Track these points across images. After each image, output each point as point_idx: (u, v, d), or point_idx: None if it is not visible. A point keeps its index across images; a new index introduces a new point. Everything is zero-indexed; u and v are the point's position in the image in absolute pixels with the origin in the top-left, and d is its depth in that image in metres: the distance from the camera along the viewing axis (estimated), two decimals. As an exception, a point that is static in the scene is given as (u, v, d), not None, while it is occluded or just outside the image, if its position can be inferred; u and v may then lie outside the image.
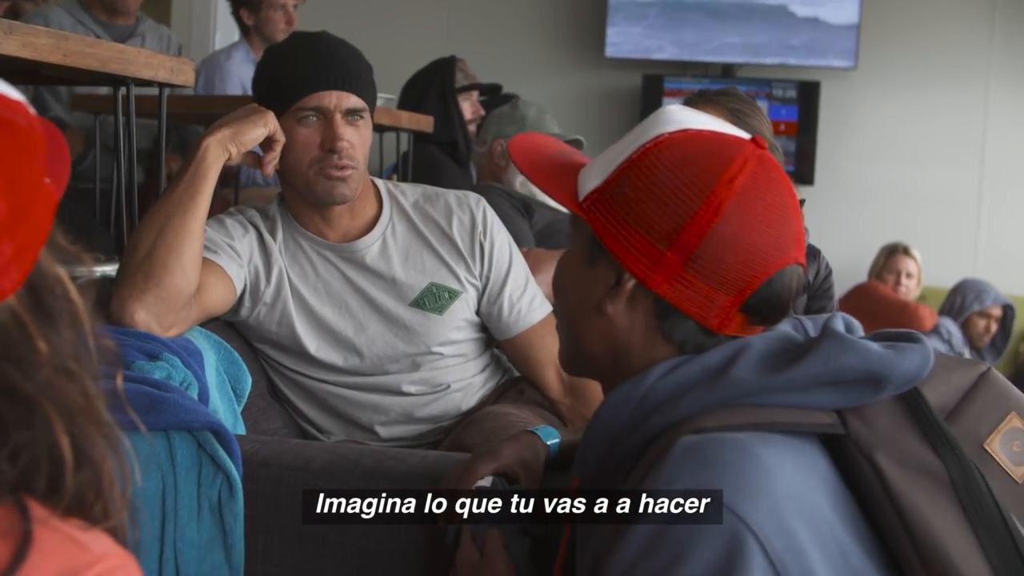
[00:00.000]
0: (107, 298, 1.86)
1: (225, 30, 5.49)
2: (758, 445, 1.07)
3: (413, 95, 4.25)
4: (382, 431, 2.17)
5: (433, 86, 4.24)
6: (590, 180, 1.20)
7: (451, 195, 2.24)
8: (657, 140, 1.17)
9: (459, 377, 2.21)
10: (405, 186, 2.27)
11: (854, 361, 1.11)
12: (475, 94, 4.38)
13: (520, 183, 3.49)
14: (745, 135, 1.20)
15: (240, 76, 4.27)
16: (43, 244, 0.79)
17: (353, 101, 2.06)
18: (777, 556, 1.01)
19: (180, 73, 2.30)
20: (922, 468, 1.11)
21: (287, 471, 1.67)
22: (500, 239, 2.22)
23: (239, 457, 1.63)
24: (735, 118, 2.49)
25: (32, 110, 0.80)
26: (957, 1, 5.90)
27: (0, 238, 0.74)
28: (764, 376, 1.12)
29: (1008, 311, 5.41)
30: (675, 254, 1.14)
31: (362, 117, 2.09)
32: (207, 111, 3.34)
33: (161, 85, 2.33)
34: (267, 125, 2.01)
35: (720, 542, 1.00)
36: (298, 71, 2.05)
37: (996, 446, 1.16)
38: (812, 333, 1.23)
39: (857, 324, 1.22)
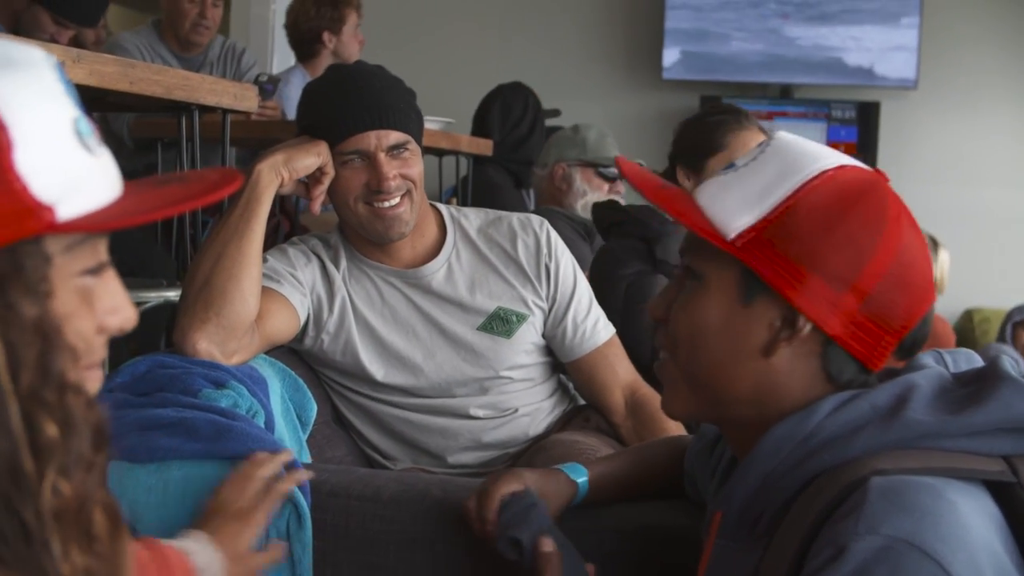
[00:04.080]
0: (172, 325, 1.85)
1: (283, 53, 5.52)
2: (950, 491, 1.04)
3: (510, 115, 4.34)
4: (449, 457, 2.15)
5: (528, 107, 4.34)
6: (735, 217, 1.16)
7: (514, 218, 2.23)
8: (821, 176, 1.15)
9: (527, 401, 2.18)
10: (468, 210, 2.26)
11: None
12: None
13: (581, 207, 3.47)
14: (867, 167, 1.20)
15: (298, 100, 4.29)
16: None
17: (394, 137, 2.03)
18: None
19: (243, 99, 2.31)
20: None
21: (356, 501, 1.64)
22: (565, 260, 2.20)
23: (307, 486, 1.61)
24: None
25: None
26: (1018, 20, 5.81)
27: None
28: (940, 419, 1.09)
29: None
30: (853, 296, 1.13)
31: (407, 149, 2.05)
32: (267, 136, 3.35)
33: (224, 111, 2.34)
34: (320, 155, 1.99)
35: None
36: (334, 114, 2.02)
37: None
38: (952, 367, 1.22)
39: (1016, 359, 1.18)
